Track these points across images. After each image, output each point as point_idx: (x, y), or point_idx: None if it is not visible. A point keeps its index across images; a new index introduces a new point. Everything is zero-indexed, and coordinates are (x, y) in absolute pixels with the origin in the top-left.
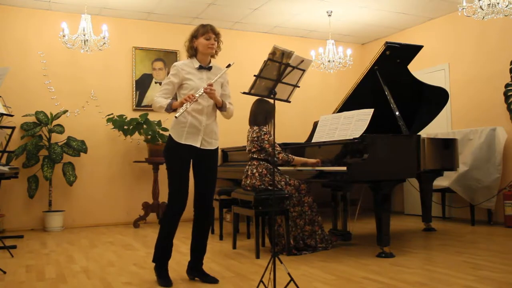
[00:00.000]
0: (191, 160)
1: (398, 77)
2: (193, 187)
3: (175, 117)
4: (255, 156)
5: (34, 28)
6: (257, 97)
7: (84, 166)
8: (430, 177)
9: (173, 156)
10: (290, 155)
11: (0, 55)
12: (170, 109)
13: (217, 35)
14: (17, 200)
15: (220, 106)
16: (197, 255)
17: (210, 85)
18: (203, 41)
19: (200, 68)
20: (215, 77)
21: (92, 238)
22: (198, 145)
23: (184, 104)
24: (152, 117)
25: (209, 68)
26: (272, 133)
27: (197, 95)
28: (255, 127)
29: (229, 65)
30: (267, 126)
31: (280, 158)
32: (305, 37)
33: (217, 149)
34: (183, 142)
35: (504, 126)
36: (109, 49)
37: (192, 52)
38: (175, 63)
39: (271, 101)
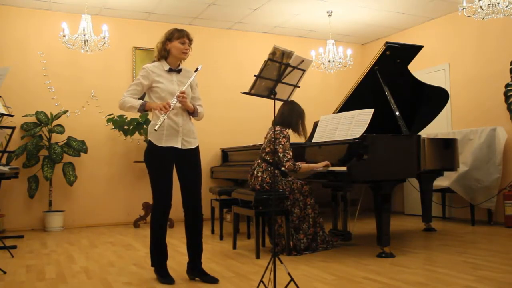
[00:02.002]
0: (174, 162)
1: (398, 77)
2: (179, 189)
3: (155, 129)
4: (267, 157)
5: (34, 28)
6: (257, 96)
7: (84, 166)
8: (430, 177)
9: (155, 160)
10: (297, 163)
11: (0, 55)
12: (143, 110)
13: (190, 41)
14: (17, 200)
15: (192, 112)
16: (194, 255)
17: (182, 92)
18: (178, 45)
19: (170, 70)
20: (185, 80)
21: (92, 238)
22: (179, 145)
23: (162, 116)
24: None
25: (179, 71)
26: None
27: (172, 105)
28: (277, 127)
29: (197, 69)
30: (299, 127)
31: (287, 166)
32: (305, 37)
33: (197, 147)
34: (163, 145)
35: (504, 126)
36: (109, 49)
37: (164, 54)
38: (145, 66)
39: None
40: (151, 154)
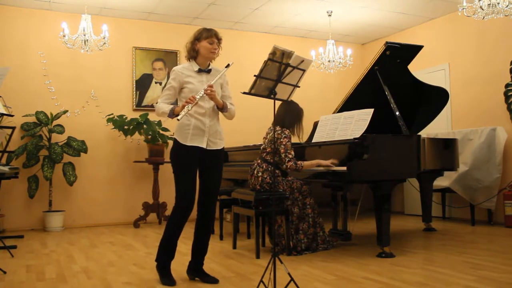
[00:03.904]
0: (198, 162)
1: (398, 77)
2: (198, 186)
3: (177, 119)
4: (267, 158)
5: (34, 28)
6: (257, 96)
7: (84, 166)
8: (430, 177)
9: (180, 159)
10: (299, 162)
11: (0, 55)
12: (173, 114)
13: (219, 40)
14: (17, 200)
15: (221, 108)
16: (199, 255)
17: (210, 86)
18: (207, 44)
19: (200, 71)
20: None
21: (92, 238)
22: (204, 146)
23: (186, 106)
24: (152, 117)
25: (209, 71)
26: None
27: (197, 97)
28: (278, 128)
29: (228, 65)
30: (294, 128)
31: (288, 166)
32: (305, 37)
33: (223, 149)
34: (188, 143)
35: (504, 126)
36: (109, 49)
37: (194, 54)
38: (174, 68)
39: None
40: (176, 152)
